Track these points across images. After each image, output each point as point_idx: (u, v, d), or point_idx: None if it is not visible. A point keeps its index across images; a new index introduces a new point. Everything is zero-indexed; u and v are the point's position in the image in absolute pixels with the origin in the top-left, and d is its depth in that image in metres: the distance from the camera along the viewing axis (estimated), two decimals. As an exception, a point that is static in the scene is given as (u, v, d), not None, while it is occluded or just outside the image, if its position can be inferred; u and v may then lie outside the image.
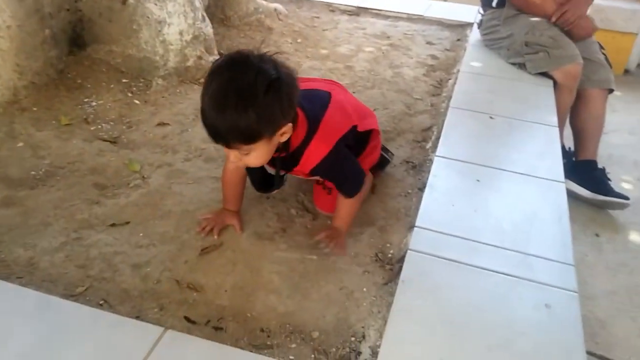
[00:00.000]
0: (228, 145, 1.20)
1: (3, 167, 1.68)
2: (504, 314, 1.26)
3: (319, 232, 1.48)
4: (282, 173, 1.50)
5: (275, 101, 1.17)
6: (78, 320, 1.17)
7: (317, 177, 1.53)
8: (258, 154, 1.24)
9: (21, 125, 1.87)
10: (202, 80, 2.28)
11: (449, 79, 2.62)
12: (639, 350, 1.67)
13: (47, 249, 1.39)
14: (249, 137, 1.18)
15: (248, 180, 1.54)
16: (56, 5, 2.13)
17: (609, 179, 2.40)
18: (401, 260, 1.41)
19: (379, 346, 1.17)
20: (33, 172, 1.67)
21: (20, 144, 1.79)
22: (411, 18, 3.42)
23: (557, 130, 2.13)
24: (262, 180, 1.52)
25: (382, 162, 1.75)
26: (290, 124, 1.25)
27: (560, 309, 1.28)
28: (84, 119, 1.96)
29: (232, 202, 1.53)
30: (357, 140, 1.53)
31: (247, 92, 1.13)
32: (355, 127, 1.46)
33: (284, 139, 1.27)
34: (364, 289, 1.36)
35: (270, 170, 1.49)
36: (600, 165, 2.44)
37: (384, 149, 1.79)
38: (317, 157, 1.35)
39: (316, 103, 1.40)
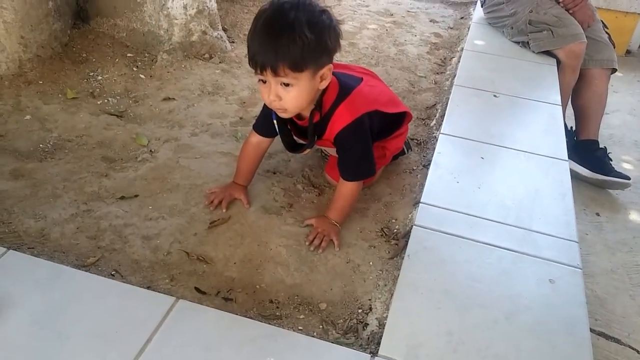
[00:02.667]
0: (275, 70, 1.20)
1: (11, 139, 1.69)
2: (508, 288, 1.29)
3: (310, 220, 1.46)
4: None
5: (329, 27, 1.24)
6: (90, 290, 1.19)
7: None
8: (298, 92, 1.25)
9: (27, 99, 1.87)
10: (207, 55, 2.29)
11: (453, 57, 2.62)
12: (638, 328, 1.70)
13: (57, 220, 1.41)
14: (299, 61, 1.20)
15: None
16: (60, -22, 2.12)
17: (610, 159, 2.41)
18: (406, 235, 1.43)
19: (385, 318, 1.19)
20: (41, 145, 1.67)
21: (28, 117, 1.79)
22: (414, -5, 3.40)
23: (560, 109, 2.14)
24: (292, 146, 1.52)
25: (399, 153, 1.75)
26: (331, 66, 1.28)
27: (564, 285, 1.31)
28: (90, 93, 1.96)
29: (245, 177, 1.54)
30: (389, 122, 1.57)
31: (305, 13, 1.19)
32: (378, 111, 1.46)
33: (322, 85, 1.30)
34: (370, 263, 1.39)
35: (300, 141, 1.50)
36: (601, 145, 2.45)
37: (406, 143, 1.79)
38: (340, 124, 1.38)
39: (349, 79, 1.45)
